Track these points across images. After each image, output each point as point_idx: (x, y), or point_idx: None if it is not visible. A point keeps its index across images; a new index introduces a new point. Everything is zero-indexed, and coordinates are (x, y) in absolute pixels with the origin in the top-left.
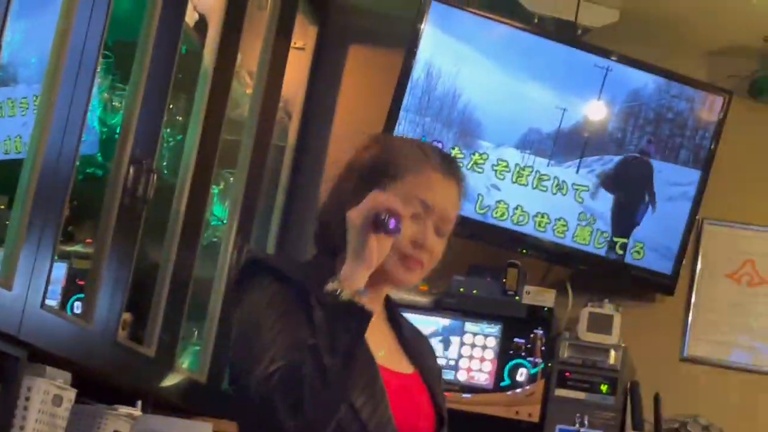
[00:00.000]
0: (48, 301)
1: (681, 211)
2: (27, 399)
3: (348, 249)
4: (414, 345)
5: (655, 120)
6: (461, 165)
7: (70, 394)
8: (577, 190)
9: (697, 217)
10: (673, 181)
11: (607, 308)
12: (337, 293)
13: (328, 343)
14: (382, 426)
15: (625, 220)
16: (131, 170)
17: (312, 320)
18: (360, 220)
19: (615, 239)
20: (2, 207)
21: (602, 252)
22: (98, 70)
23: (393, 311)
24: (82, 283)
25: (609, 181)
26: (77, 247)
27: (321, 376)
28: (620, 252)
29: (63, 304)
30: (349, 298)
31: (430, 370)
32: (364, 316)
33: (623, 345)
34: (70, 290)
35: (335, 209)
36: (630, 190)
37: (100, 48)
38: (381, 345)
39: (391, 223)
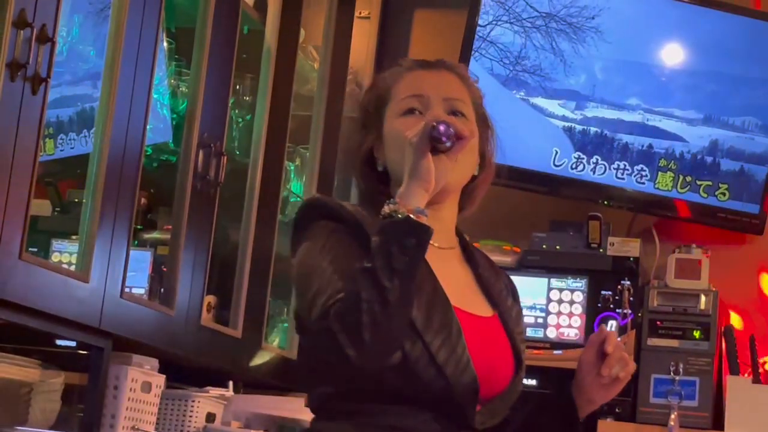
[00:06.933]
0: (135, 290)
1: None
2: (116, 388)
3: (405, 171)
4: (492, 285)
5: None
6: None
7: (159, 380)
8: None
9: None
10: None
11: (695, 253)
12: (394, 213)
13: (385, 264)
14: (460, 369)
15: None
16: (201, 154)
17: (369, 253)
18: (416, 139)
19: (698, 182)
20: (84, 201)
21: (686, 197)
22: (159, 57)
23: (468, 250)
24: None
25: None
26: (157, 234)
27: (380, 299)
28: (704, 195)
29: (151, 292)
30: (406, 215)
31: (508, 311)
32: (424, 232)
33: (714, 289)
34: (156, 278)
35: (351, 157)
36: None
37: (158, 35)
38: (457, 287)
39: (441, 126)
